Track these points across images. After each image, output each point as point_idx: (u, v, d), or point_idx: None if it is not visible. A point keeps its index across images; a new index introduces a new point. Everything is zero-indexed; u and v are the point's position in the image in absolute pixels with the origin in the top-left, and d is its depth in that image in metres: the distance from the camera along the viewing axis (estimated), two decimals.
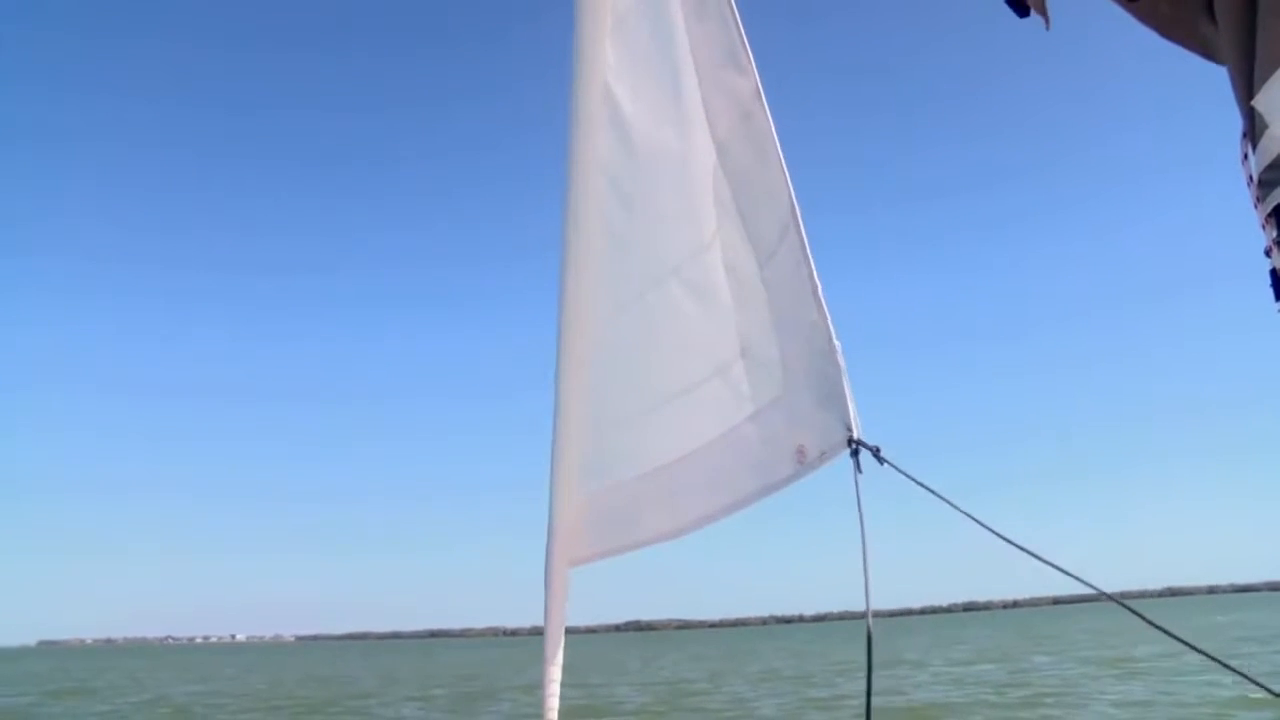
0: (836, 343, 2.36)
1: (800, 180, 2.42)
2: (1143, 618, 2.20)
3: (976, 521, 2.22)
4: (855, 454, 2.30)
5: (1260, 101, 1.12)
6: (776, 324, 2.48)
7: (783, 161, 2.47)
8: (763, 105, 2.49)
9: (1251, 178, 1.15)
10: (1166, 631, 2.10)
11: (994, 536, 2.20)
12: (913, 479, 2.25)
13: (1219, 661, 2.05)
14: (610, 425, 2.68)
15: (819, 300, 2.38)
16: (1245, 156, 1.18)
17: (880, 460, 2.26)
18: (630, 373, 2.68)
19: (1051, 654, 29.90)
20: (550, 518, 2.71)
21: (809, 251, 2.40)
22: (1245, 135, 1.18)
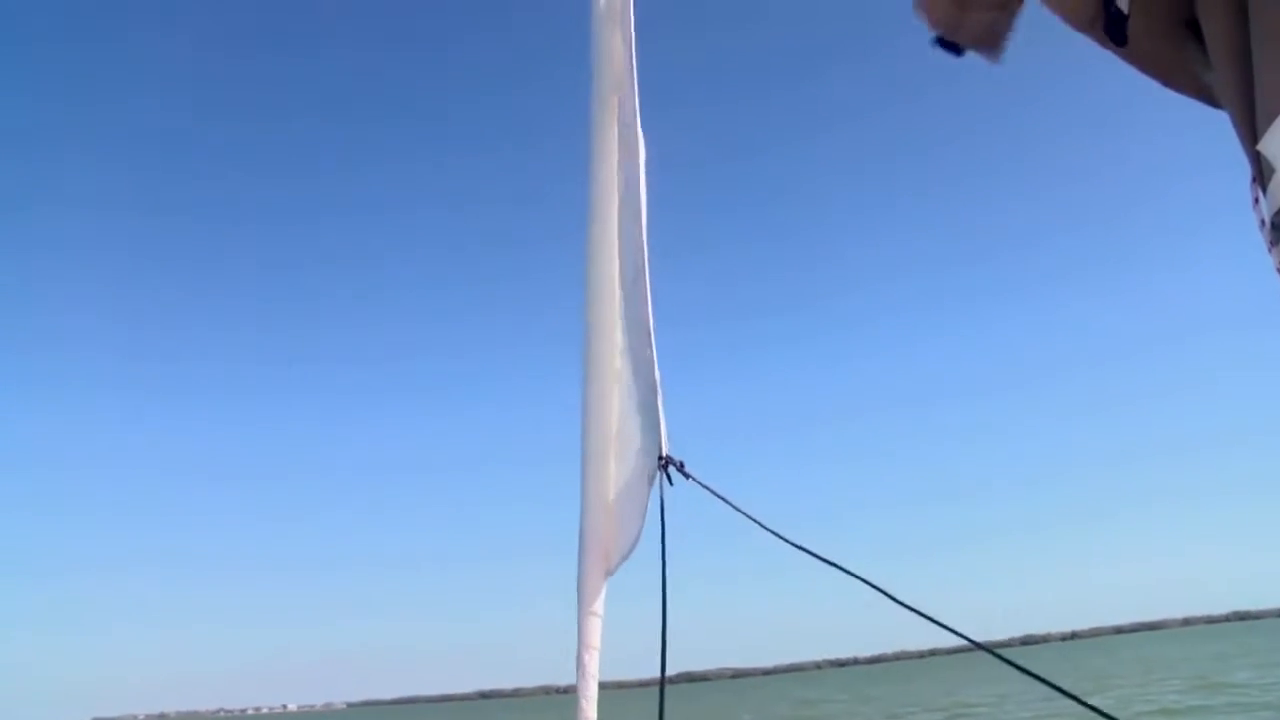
0: (658, 374, 2.63)
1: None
2: (1013, 665, 2.29)
3: (783, 539, 2.40)
4: (664, 469, 2.51)
5: (1266, 145, 1.09)
6: (629, 371, 2.79)
7: (644, 218, 2.81)
8: (640, 172, 2.85)
9: (1264, 221, 1.12)
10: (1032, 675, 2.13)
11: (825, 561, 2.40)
12: (713, 492, 2.47)
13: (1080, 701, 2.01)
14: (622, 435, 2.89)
15: (652, 339, 2.67)
16: (1256, 200, 1.15)
17: (685, 475, 2.49)
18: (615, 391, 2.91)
19: (1137, 685, 28.66)
20: (582, 526, 2.78)
21: (649, 295, 2.72)
22: (1254, 180, 1.15)
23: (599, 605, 2.75)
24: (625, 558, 2.74)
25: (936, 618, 2.38)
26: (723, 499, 2.46)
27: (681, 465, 2.52)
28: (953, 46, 1.53)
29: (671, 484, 2.49)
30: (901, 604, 2.33)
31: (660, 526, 2.51)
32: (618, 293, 2.89)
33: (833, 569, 2.41)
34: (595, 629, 2.73)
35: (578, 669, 2.69)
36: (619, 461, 2.80)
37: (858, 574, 2.37)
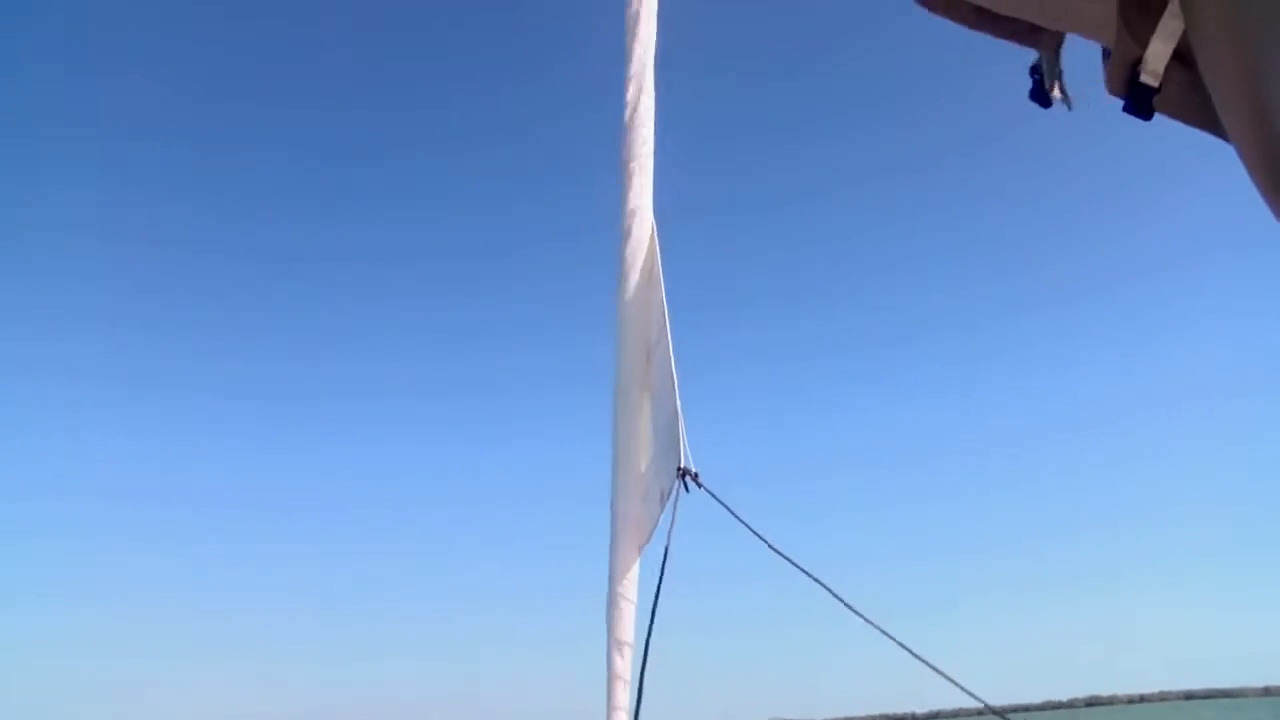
0: (679, 404, 2.81)
1: None
2: None
3: (793, 564, 2.54)
4: (683, 480, 2.64)
5: None
6: (652, 406, 3.09)
7: (663, 289, 3.12)
8: (655, 245, 3.25)
9: None
10: None
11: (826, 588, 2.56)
12: (725, 505, 2.59)
13: None
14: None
15: (674, 380, 2.89)
16: None
17: (699, 485, 2.61)
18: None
19: None
20: (614, 497, 2.97)
21: (671, 347, 3.00)
22: None
23: (631, 588, 2.77)
24: (653, 533, 2.82)
25: (950, 674, 2.50)
26: (734, 514, 2.55)
27: (696, 476, 2.62)
28: (1044, 100, 1.67)
29: (688, 491, 2.60)
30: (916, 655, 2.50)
31: (667, 539, 2.61)
32: (646, 328, 3.17)
33: (849, 611, 2.51)
34: (627, 619, 2.72)
35: (607, 672, 2.63)
36: (646, 450, 3.06)
37: (866, 616, 2.49)
